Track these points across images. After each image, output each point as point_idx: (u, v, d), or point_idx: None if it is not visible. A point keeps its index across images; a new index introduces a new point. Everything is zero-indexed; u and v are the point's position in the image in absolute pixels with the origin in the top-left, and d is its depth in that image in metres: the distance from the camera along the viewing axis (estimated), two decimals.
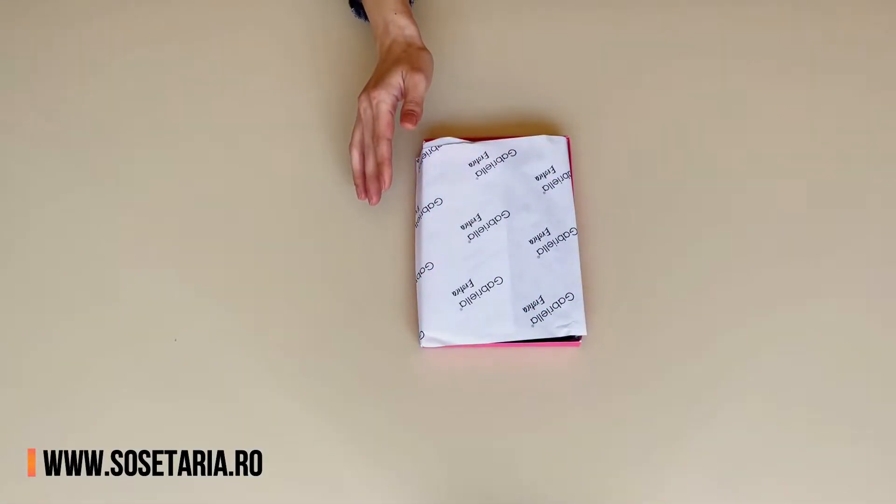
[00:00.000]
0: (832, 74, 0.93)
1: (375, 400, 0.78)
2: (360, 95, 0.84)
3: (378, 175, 0.83)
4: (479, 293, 0.80)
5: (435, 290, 0.80)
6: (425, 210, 0.83)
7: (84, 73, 0.95)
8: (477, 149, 0.86)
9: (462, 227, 0.83)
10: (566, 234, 0.82)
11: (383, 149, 0.82)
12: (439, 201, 0.84)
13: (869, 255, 0.84)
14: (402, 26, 0.86)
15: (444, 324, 0.79)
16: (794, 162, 0.89)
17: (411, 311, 0.81)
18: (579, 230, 0.83)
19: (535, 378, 0.79)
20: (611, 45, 0.95)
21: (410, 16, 0.87)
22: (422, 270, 0.81)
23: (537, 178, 0.85)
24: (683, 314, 0.81)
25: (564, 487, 0.74)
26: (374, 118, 0.83)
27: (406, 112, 0.82)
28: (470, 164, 0.86)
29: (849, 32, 0.95)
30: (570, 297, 0.79)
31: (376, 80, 0.83)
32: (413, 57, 0.84)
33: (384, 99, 0.82)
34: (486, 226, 0.83)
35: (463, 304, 0.79)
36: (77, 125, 0.93)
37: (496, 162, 0.86)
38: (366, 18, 0.92)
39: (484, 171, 0.85)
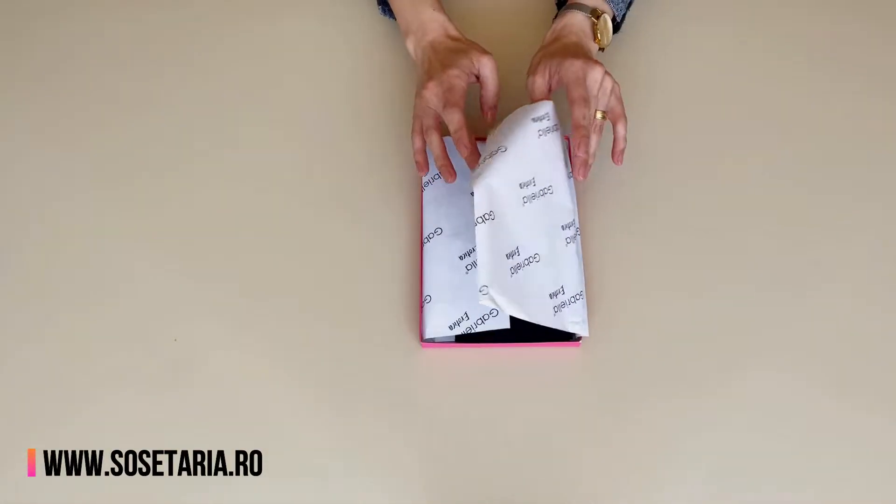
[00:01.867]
0: (832, 68, 0.94)
1: (376, 399, 0.78)
2: (422, 91, 0.82)
3: (459, 143, 0.78)
4: (522, 264, 0.75)
5: (493, 246, 0.73)
6: (494, 153, 0.76)
7: (86, 70, 0.96)
8: (544, 107, 0.80)
9: (521, 186, 0.77)
10: (578, 231, 0.82)
11: (456, 117, 0.78)
12: (503, 148, 0.76)
13: (874, 254, 0.84)
14: (442, 22, 0.86)
15: (501, 286, 0.73)
16: (799, 161, 0.89)
17: (411, 310, 0.81)
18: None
19: (535, 378, 0.79)
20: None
21: (445, 12, 0.87)
22: (480, 219, 0.73)
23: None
24: (683, 315, 0.81)
25: (564, 487, 0.74)
26: (448, 90, 0.80)
27: (491, 106, 0.84)
28: (533, 120, 0.79)
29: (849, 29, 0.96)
30: (581, 295, 0.79)
31: (443, 65, 0.82)
32: (471, 45, 0.84)
33: (458, 75, 0.81)
34: (538, 194, 0.78)
35: (513, 270, 0.75)
36: (78, 125, 0.93)
37: (554, 128, 0.80)
38: (392, 16, 0.91)
39: (544, 132, 0.79)
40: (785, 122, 0.91)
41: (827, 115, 0.92)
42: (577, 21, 0.87)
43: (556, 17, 0.90)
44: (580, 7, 0.87)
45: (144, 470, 0.76)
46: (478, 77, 0.84)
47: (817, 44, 0.96)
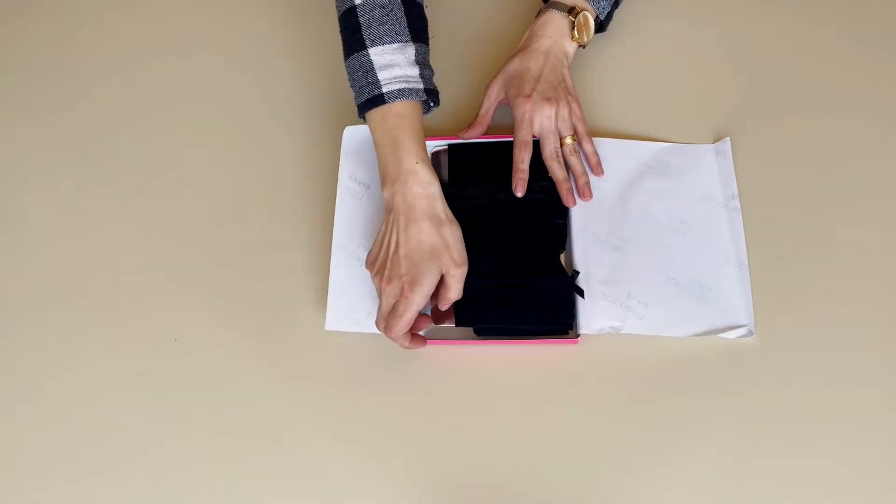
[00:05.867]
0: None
1: (373, 398, 0.78)
2: (379, 277, 0.74)
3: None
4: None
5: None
6: None
7: (85, 73, 0.97)
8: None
9: None
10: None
11: (402, 343, 0.75)
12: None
13: None
14: (423, 182, 0.74)
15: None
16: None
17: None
18: None
19: (533, 375, 0.77)
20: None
21: (427, 164, 0.75)
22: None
23: None
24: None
25: (562, 487, 0.73)
26: (397, 313, 0.72)
27: (438, 314, 0.77)
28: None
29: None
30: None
31: (410, 277, 0.72)
32: (447, 243, 0.73)
33: (417, 301, 0.72)
34: None
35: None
36: (77, 126, 0.94)
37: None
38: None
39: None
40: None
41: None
42: (553, 20, 0.88)
43: (538, 14, 0.90)
44: (558, 6, 0.88)
45: (144, 470, 0.76)
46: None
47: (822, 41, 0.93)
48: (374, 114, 0.76)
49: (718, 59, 0.92)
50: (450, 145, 0.85)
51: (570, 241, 0.82)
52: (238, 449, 0.76)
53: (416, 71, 0.77)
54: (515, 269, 0.79)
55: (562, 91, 0.85)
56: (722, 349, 0.77)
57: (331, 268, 0.81)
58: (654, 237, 0.82)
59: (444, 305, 0.75)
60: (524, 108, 0.84)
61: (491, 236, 0.81)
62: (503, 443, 0.75)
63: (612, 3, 0.89)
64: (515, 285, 0.79)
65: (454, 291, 0.74)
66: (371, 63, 0.76)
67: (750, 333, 0.77)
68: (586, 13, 0.87)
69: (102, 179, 0.91)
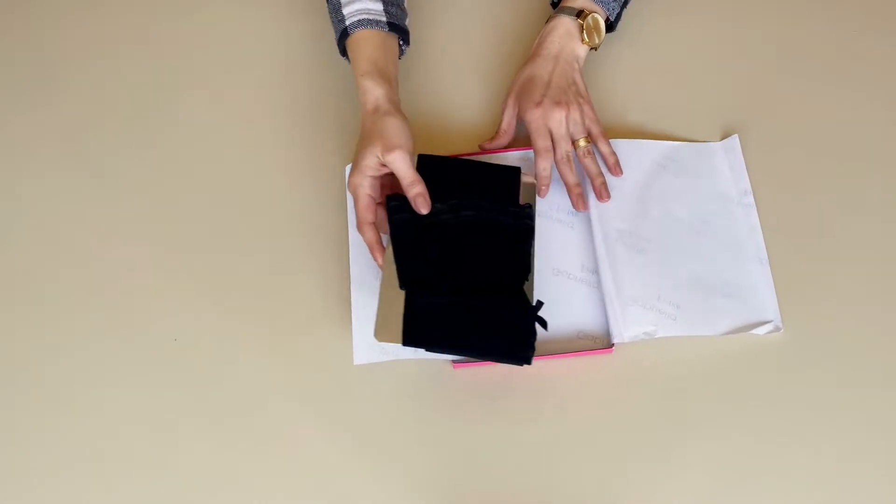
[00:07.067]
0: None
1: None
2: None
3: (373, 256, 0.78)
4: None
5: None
6: None
7: (83, 71, 0.95)
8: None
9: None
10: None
11: (367, 235, 0.77)
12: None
13: None
14: (366, 90, 0.80)
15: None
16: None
17: None
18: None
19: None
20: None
21: (379, 75, 0.80)
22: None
23: None
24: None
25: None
26: (357, 203, 0.77)
27: (413, 200, 0.77)
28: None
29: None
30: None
31: (354, 163, 0.78)
32: (381, 130, 0.78)
33: (359, 183, 0.77)
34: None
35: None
36: (76, 125, 0.92)
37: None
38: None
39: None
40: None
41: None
42: (562, 24, 0.88)
43: (547, 20, 0.90)
44: (566, 10, 0.88)
45: (145, 471, 0.76)
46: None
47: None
48: (347, 47, 0.83)
49: (724, 55, 0.93)
50: (420, 155, 0.82)
51: (593, 246, 0.81)
52: (238, 449, 0.76)
53: (378, 6, 0.83)
54: (474, 291, 0.75)
55: (572, 94, 0.85)
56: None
57: (352, 307, 0.80)
58: (677, 237, 0.82)
59: (408, 194, 0.77)
60: (536, 116, 0.83)
61: (453, 254, 0.77)
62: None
63: (621, 4, 0.89)
64: (475, 307, 0.74)
65: (400, 175, 0.76)
66: (339, 2, 0.84)
67: (777, 329, 0.78)
68: (595, 15, 0.87)
69: (103, 179, 0.89)
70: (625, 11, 0.91)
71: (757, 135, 0.87)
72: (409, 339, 0.73)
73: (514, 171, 0.81)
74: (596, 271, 0.80)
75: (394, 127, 0.78)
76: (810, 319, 0.79)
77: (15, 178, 0.90)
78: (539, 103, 0.83)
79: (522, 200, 0.79)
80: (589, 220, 0.83)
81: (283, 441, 0.76)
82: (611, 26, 0.89)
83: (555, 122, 0.83)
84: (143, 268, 0.84)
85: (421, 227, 0.77)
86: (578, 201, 0.83)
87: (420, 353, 0.77)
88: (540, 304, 0.75)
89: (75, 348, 0.81)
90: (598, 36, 0.87)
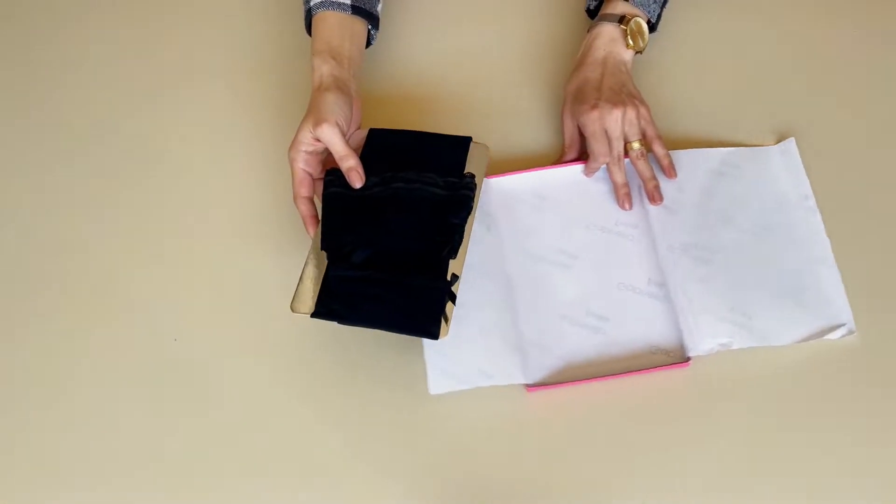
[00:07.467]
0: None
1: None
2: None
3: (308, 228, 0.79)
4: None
5: None
6: None
7: (83, 71, 0.96)
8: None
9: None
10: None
11: (301, 208, 0.79)
12: None
13: None
14: (314, 68, 0.82)
15: None
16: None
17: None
18: None
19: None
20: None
21: (329, 54, 0.82)
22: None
23: None
24: None
25: None
26: (292, 177, 0.79)
27: (346, 173, 0.77)
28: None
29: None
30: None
31: (294, 140, 0.79)
32: (316, 105, 0.79)
33: (294, 157, 0.78)
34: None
35: None
36: (76, 124, 0.92)
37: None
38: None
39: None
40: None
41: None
42: (605, 31, 0.87)
43: (589, 29, 0.89)
44: (608, 17, 0.87)
45: (144, 472, 0.75)
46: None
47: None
48: (312, 28, 0.84)
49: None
50: (371, 129, 0.82)
51: (657, 259, 0.80)
52: (238, 449, 0.75)
53: None
54: (390, 264, 0.74)
55: (626, 95, 0.83)
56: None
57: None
58: (741, 245, 0.80)
59: (341, 166, 0.78)
60: (593, 118, 0.82)
61: (377, 227, 0.75)
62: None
63: (660, 4, 0.88)
64: (385, 280, 0.73)
65: (333, 150, 0.77)
66: None
67: (850, 332, 0.77)
68: (638, 19, 0.86)
69: (103, 179, 0.89)
70: (665, 11, 0.90)
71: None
72: (319, 311, 0.73)
73: (464, 141, 0.80)
74: (663, 284, 0.79)
75: (328, 102, 0.78)
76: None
77: (15, 177, 0.90)
78: (594, 106, 0.82)
79: (474, 170, 0.79)
80: (651, 233, 0.81)
81: (284, 441, 0.75)
82: (652, 27, 0.88)
83: (611, 122, 0.82)
84: (144, 268, 0.84)
85: (351, 200, 0.77)
86: (625, 200, 0.82)
87: (494, 380, 0.75)
88: (455, 277, 0.74)
89: (75, 348, 0.80)
90: (643, 39, 0.86)
